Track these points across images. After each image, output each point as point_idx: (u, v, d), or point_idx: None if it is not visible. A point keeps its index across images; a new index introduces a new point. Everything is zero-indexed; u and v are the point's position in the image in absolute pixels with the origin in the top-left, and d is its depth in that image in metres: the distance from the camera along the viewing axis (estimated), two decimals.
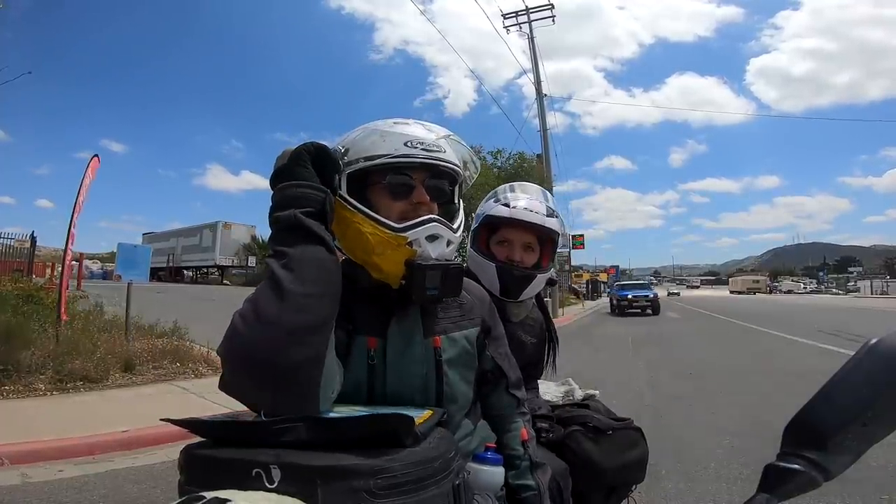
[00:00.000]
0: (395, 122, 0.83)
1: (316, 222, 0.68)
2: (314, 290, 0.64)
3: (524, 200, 1.23)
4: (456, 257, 0.86)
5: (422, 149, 0.79)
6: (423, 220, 0.78)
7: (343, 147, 0.81)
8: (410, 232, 0.77)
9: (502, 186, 1.34)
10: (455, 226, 0.84)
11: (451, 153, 0.84)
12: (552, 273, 1.30)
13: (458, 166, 0.85)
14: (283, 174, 0.72)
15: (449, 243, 0.81)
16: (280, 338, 0.60)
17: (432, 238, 0.78)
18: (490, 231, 1.27)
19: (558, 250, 1.30)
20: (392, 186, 0.80)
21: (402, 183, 0.80)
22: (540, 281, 1.24)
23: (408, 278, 0.77)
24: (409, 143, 0.79)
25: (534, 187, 1.33)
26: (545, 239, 1.25)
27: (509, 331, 1.21)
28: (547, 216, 1.22)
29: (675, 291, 67.61)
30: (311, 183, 0.71)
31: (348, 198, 0.79)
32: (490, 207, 1.27)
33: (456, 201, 0.89)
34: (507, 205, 1.23)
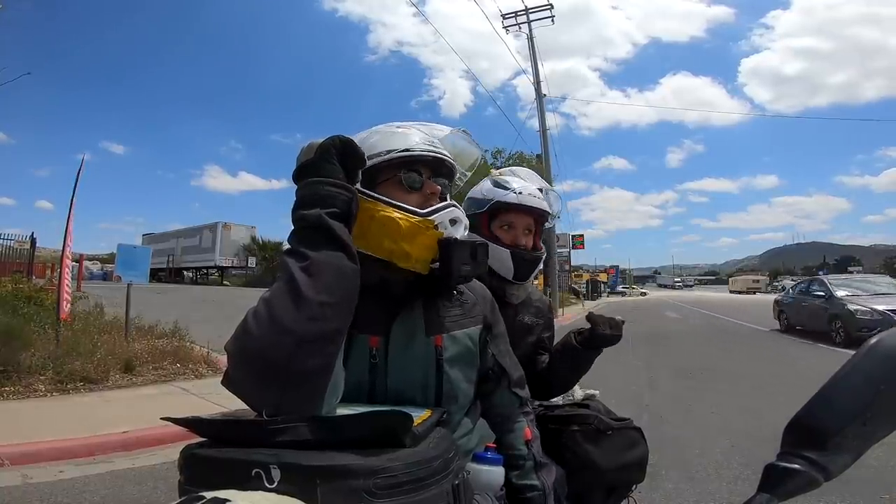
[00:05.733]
0: (398, 126, 0.87)
1: (340, 225, 0.67)
2: (331, 298, 0.63)
3: (527, 186, 1.28)
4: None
5: (432, 146, 0.85)
6: (444, 205, 0.83)
7: None
8: (436, 216, 0.81)
9: (501, 172, 1.37)
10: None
11: (448, 150, 0.89)
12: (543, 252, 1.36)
13: (455, 162, 0.91)
14: (309, 169, 0.71)
15: (465, 227, 0.86)
16: (291, 345, 0.59)
17: (453, 221, 0.83)
18: (490, 216, 1.28)
19: (558, 251, 1.32)
20: (407, 179, 0.83)
21: (416, 175, 0.84)
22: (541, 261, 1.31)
23: (442, 258, 0.80)
24: (422, 140, 0.85)
25: (529, 171, 1.39)
26: (540, 221, 1.30)
27: (511, 314, 1.22)
28: (543, 200, 1.28)
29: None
30: (337, 181, 0.70)
31: (367, 190, 0.80)
32: (496, 194, 1.28)
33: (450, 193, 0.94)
34: (511, 190, 1.26)
